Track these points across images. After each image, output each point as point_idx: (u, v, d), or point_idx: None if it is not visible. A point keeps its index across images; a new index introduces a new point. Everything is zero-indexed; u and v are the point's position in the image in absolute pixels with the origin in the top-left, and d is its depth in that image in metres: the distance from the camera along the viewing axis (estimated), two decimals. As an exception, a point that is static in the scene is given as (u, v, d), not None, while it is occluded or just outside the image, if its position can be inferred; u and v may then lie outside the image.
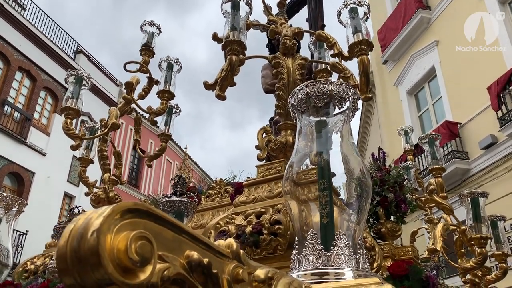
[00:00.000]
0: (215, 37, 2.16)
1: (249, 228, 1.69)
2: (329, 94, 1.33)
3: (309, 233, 1.16)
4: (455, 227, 3.51)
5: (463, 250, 3.34)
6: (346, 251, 1.11)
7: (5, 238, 2.49)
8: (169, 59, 2.95)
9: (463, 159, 10.14)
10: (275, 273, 0.83)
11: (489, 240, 3.18)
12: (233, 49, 1.87)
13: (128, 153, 20.36)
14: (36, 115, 17.07)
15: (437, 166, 3.41)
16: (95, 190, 3.03)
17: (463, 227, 3.24)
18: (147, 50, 3.08)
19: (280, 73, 1.98)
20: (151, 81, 3.04)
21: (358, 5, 1.93)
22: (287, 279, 0.86)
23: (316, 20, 3.85)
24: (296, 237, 1.22)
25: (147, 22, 3.13)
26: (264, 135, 2.09)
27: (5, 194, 2.54)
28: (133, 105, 3.09)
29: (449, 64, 11.64)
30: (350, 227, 1.20)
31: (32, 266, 2.45)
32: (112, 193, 2.81)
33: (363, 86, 1.84)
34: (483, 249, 2.99)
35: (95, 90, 20.01)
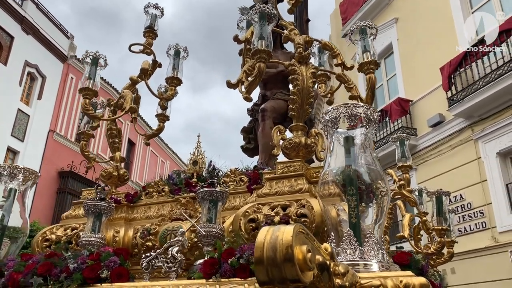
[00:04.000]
0: (236, 39, 2.40)
1: (277, 218, 2.02)
2: (359, 116, 1.65)
3: (345, 230, 1.50)
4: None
5: (419, 236, 3.94)
6: (375, 246, 1.47)
7: (23, 208, 2.67)
8: (177, 47, 3.11)
9: (411, 135, 10.90)
10: (347, 267, 1.17)
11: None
12: (262, 57, 2.12)
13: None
14: (-24, 63, 16.07)
15: (405, 164, 3.88)
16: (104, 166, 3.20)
17: (424, 218, 3.84)
18: (151, 32, 3.21)
19: (295, 80, 2.26)
20: (155, 64, 3.20)
21: (368, 27, 2.24)
22: (352, 271, 1.21)
23: (302, 14, 4.10)
24: (332, 233, 1.56)
25: (151, 5, 3.24)
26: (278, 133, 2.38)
27: (21, 166, 2.68)
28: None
29: (406, 42, 12.24)
30: (375, 227, 1.56)
31: (53, 236, 2.64)
32: (122, 170, 3.02)
33: (368, 100, 2.17)
34: (442, 239, 3.61)
35: (44, 41, 19.01)
